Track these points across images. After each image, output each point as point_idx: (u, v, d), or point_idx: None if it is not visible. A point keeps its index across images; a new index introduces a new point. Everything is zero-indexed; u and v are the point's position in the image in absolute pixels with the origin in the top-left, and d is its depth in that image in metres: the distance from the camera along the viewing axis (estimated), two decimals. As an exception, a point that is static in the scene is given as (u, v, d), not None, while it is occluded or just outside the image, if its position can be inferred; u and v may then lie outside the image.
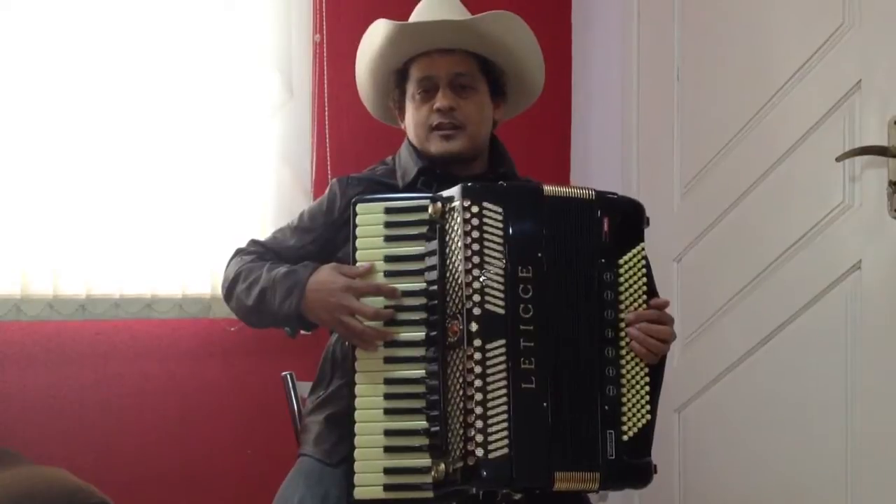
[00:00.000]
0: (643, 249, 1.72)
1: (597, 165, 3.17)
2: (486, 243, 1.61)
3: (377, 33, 1.91)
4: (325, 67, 2.86)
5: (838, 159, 2.20)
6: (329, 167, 2.84)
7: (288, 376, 2.13)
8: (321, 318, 1.72)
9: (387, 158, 2.00)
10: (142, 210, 2.63)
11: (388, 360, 1.66)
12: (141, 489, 2.61)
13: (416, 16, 1.92)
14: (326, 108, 2.85)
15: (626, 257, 1.70)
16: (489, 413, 1.56)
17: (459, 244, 1.61)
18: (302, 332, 1.84)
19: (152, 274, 2.63)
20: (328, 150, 2.86)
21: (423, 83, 1.88)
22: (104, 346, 2.64)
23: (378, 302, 1.67)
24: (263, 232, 2.69)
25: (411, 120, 1.91)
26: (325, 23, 2.86)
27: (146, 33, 2.64)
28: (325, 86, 2.85)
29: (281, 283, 1.75)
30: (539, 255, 1.64)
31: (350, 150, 2.85)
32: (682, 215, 2.74)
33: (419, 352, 1.65)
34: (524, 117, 3.17)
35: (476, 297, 1.59)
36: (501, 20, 1.88)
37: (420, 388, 1.63)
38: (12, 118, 2.50)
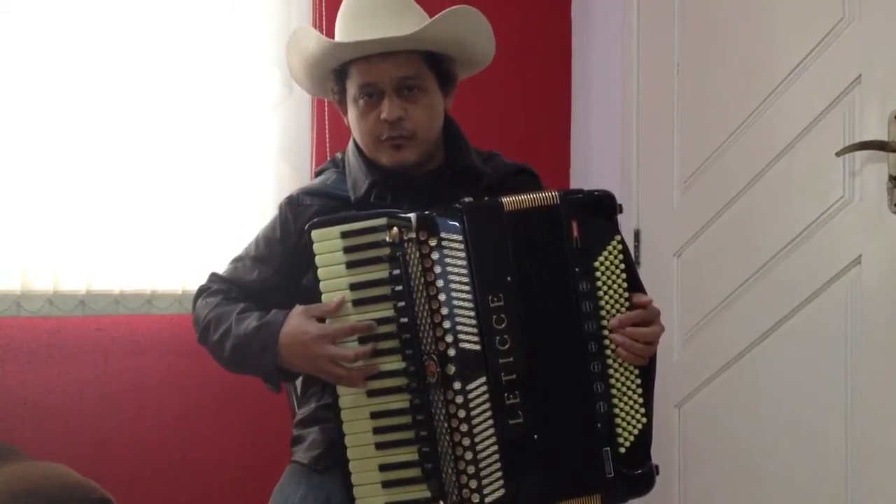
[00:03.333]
0: (619, 242, 1.62)
1: (597, 161, 3.17)
2: (449, 277, 1.54)
3: (308, 40, 1.79)
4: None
5: (838, 154, 2.20)
6: (329, 163, 2.84)
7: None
8: (301, 369, 1.69)
9: (337, 156, 1.91)
10: (142, 205, 2.62)
11: (372, 393, 1.61)
12: (141, 484, 2.62)
13: (350, 12, 1.79)
14: (326, 104, 2.85)
15: (601, 258, 1.61)
16: (479, 456, 1.53)
17: (422, 280, 1.54)
18: (285, 382, 1.80)
19: (152, 269, 2.63)
20: (327, 145, 2.86)
21: (365, 89, 1.75)
22: (104, 342, 2.64)
23: (355, 339, 1.61)
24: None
25: (357, 127, 1.80)
26: (324, 19, 2.85)
27: (146, 29, 2.63)
28: (325, 81, 2.85)
29: (253, 338, 1.69)
30: (508, 278, 1.57)
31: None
32: (682, 210, 2.74)
33: (400, 382, 1.60)
34: (524, 116, 3.19)
35: (448, 337, 1.53)
36: (449, 21, 1.74)
37: (407, 419, 1.59)
38: (12, 113, 2.50)
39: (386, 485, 1.60)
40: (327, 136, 2.86)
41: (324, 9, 2.85)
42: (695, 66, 2.73)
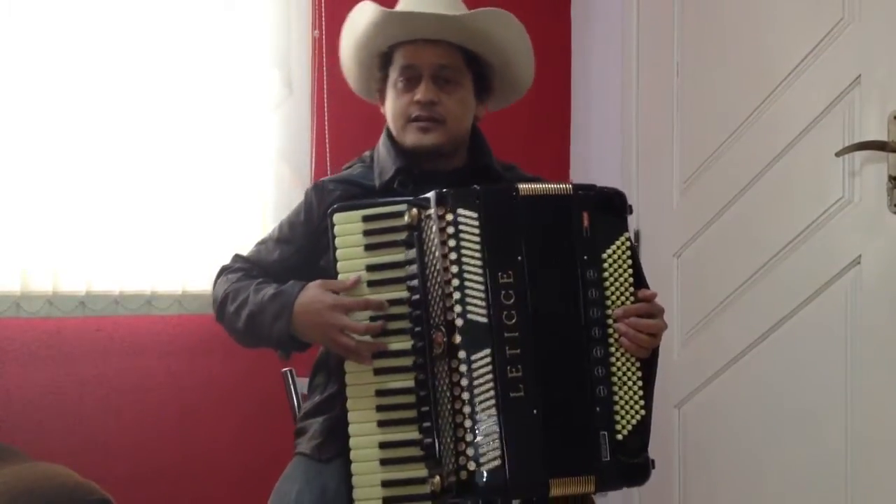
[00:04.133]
0: (627, 239, 1.66)
1: (596, 161, 3.17)
2: (463, 251, 1.58)
3: (363, 15, 1.87)
4: (325, 63, 2.85)
5: (838, 154, 2.20)
6: (328, 163, 2.84)
7: (288, 373, 2.13)
8: (312, 338, 1.71)
9: (364, 154, 1.96)
10: (142, 206, 2.62)
11: (378, 371, 1.64)
12: (141, 485, 2.61)
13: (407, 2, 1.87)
14: (326, 105, 2.85)
15: (609, 250, 1.65)
16: (479, 425, 1.54)
17: (437, 253, 1.58)
18: (295, 352, 1.81)
19: (152, 270, 2.63)
20: (327, 145, 2.86)
21: (406, 71, 1.84)
22: (104, 343, 2.64)
23: (367, 315, 1.65)
24: (263, 228, 2.70)
25: (391, 108, 1.87)
26: (323, 18, 2.85)
27: (145, 29, 2.63)
28: (325, 81, 2.85)
29: (269, 305, 1.73)
30: (519, 258, 1.61)
31: (349, 145, 2.82)
32: (682, 211, 2.74)
33: (407, 361, 1.63)
34: (524, 114, 3.18)
35: (457, 308, 1.57)
36: (491, 17, 1.84)
37: (411, 399, 1.62)
38: (12, 113, 2.49)
39: (384, 462, 1.62)
40: (327, 136, 2.86)
41: (323, 9, 2.85)
42: (695, 67, 2.73)
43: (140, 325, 2.67)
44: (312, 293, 1.68)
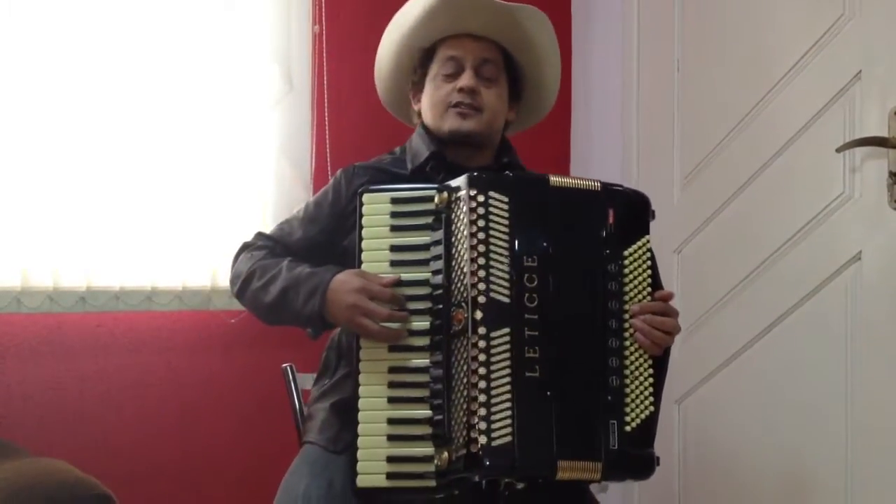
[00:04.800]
0: (648, 242, 1.72)
1: (597, 156, 3.17)
2: (491, 232, 1.61)
3: (415, 6, 1.93)
4: (325, 59, 2.85)
5: (839, 150, 2.20)
6: (329, 159, 2.84)
7: (288, 368, 2.13)
8: (337, 318, 1.72)
9: (395, 149, 2.00)
10: (142, 202, 2.62)
11: (393, 348, 1.67)
12: (141, 481, 2.62)
13: None
14: (326, 100, 2.85)
15: (631, 249, 1.70)
16: (493, 401, 1.56)
17: (465, 232, 1.61)
18: (324, 331, 1.84)
19: (152, 266, 2.63)
20: (328, 142, 2.86)
21: (449, 63, 1.90)
22: (104, 339, 2.64)
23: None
24: (263, 225, 2.70)
25: (429, 98, 1.92)
26: (324, 14, 2.85)
27: (145, 26, 2.63)
28: (325, 78, 2.85)
29: (304, 283, 1.75)
30: (545, 244, 1.65)
31: (350, 142, 2.84)
32: (683, 207, 2.74)
33: (424, 341, 1.65)
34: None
35: (481, 286, 1.59)
36: (536, 17, 1.94)
37: (424, 378, 1.64)
38: (12, 112, 2.50)
39: (392, 438, 1.63)
40: (327, 133, 2.86)
41: (324, 4, 2.84)
42: (695, 63, 2.73)
43: (140, 321, 2.67)
44: (344, 276, 1.71)
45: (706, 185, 2.66)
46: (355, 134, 2.85)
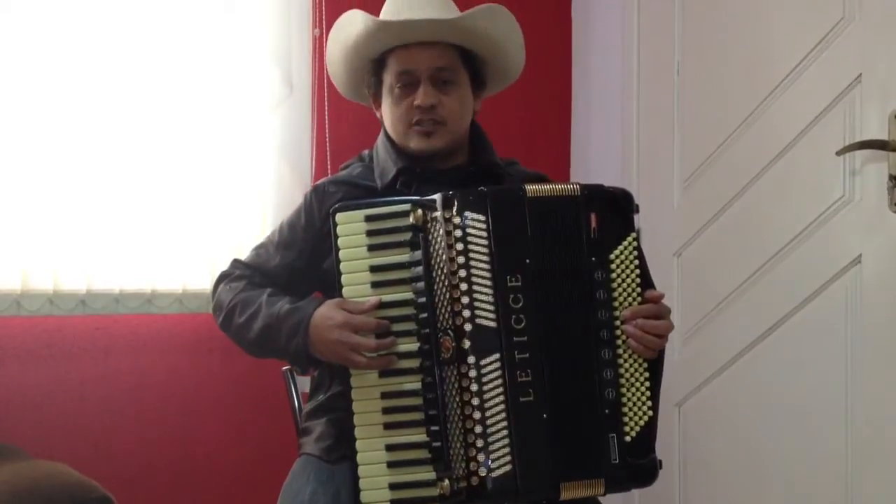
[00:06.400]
0: (634, 239, 1.66)
1: (597, 160, 3.17)
2: (471, 255, 1.57)
3: (353, 24, 1.85)
4: (325, 62, 2.84)
5: (839, 153, 2.20)
6: (329, 162, 2.84)
7: (288, 371, 2.13)
8: (324, 354, 1.69)
9: (363, 153, 1.94)
10: (142, 205, 2.62)
11: (384, 373, 1.63)
12: (142, 484, 2.62)
13: (395, 4, 1.84)
14: (326, 103, 2.85)
15: (616, 251, 1.65)
16: (489, 430, 1.54)
17: (444, 257, 1.57)
18: (311, 368, 1.80)
19: (152, 269, 2.63)
20: (328, 144, 2.86)
21: (402, 77, 1.81)
22: (104, 341, 2.64)
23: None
24: (263, 227, 2.71)
25: (389, 114, 1.84)
26: (324, 17, 2.85)
27: (145, 28, 2.63)
28: (325, 80, 2.84)
29: (285, 321, 1.71)
30: (527, 261, 1.60)
31: (350, 144, 2.82)
32: (683, 210, 2.74)
33: (414, 363, 1.62)
34: (524, 112, 3.19)
35: (466, 313, 1.56)
36: (487, 13, 1.82)
37: (417, 401, 1.61)
38: (12, 113, 2.50)
39: (392, 465, 1.61)
40: (327, 135, 2.86)
41: (324, 7, 2.84)
42: (695, 66, 2.73)
43: (140, 324, 2.67)
44: (325, 310, 1.67)
45: (706, 188, 2.66)
46: (355, 137, 2.83)
